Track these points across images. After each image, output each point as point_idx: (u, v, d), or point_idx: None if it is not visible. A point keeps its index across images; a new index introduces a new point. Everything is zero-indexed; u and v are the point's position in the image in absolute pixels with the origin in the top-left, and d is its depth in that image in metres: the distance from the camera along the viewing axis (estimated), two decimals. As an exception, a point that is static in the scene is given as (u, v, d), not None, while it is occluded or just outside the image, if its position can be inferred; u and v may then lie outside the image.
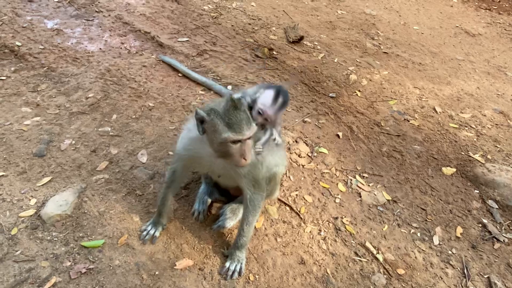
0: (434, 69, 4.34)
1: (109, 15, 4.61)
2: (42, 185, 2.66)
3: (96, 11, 4.67)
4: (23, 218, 2.44)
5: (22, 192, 2.60)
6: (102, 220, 2.49)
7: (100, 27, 4.40)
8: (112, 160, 2.90)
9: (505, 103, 3.94)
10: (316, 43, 4.53)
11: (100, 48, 4.06)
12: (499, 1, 6.12)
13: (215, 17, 4.81)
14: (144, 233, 2.44)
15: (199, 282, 2.25)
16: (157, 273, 2.27)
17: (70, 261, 2.26)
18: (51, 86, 3.51)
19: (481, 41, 5.02)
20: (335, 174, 3.00)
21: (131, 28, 4.43)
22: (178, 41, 4.31)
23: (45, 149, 2.91)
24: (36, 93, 3.42)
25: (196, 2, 5.09)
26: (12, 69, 3.66)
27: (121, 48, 4.11)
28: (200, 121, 1.94)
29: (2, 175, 2.68)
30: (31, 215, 2.46)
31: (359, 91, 3.86)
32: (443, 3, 5.94)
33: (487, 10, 5.82)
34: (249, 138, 1.93)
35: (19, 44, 3.94)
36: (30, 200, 2.55)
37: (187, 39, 4.34)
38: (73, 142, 3.00)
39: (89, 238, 2.39)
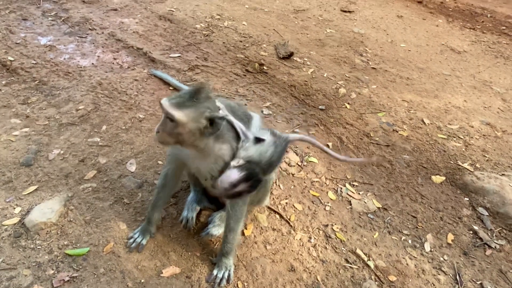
0: (421, 84, 4.42)
1: (102, 33, 4.69)
2: (27, 193, 2.61)
3: (89, 28, 4.75)
4: (6, 227, 2.38)
5: (7, 200, 2.55)
6: (88, 229, 2.44)
7: (93, 43, 4.47)
8: (101, 169, 2.87)
9: (491, 115, 4.01)
10: (306, 59, 4.62)
11: (93, 63, 4.10)
12: (483, 21, 6.33)
13: (207, 35, 4.91)
14: (131, 240, 2.38)
15: (186, 290, 2.19)
16: (142, 281, 2.20)
17: (53, 269, 2.20)
18: (41, 99, 3.52)
19: (466, 57, 5.16)
20: (325, 183, 2.99)
21: (124, 44, 4.50)
22: (170, 56, 4.38)
23: (32, 158, 2.88)
24: (26, 105, 3.42)
25: (188, 21, 5.21)
26: (3, 82, 3.68)
27: (113, 63, 4.16)
28: None
29: (-13, 184, 2.64)
30: (14, 223, 2.40)
31: (348, 103, 3.91)
32: (429, 23, 6.14)
33: (471, 29, 6.01)
34: (168, 117, 1.86)
35: (12, 59, 3.98)
36: (14, 208, 2.50)
37: (179, 55, 4.41)
38: (62, 152, 2.98)
39: (74, 246, 2.33)
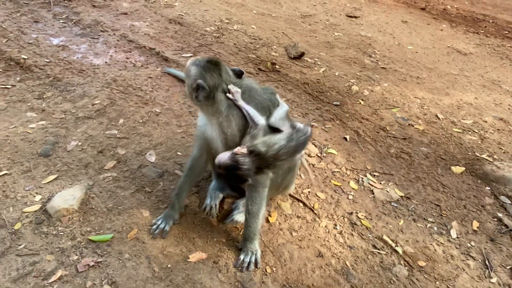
0: (431, 82, 4.46)
1: (114, 34, 4.72)
2: (47, 182, 2.57)
3: (101, 30, 4.78)
4: (27, 213, 2.34)
5: (27, 189, 2.50)
6: (110, 216, 2.39)
7: (105, 44, 4.49)
8: (120, 160, 2.84)
9: (503, 111, 4.04)
10: (316, 59, 4.66)
11: (106, 62, 4.11)
12: (485, 26, 6.46)
13: (218, 37, 4.96)
14: (154, 227, 2.34)
15: (214, 274, 2.13)
16: (169, 266, 2.15)
17: (77, 255, 2.14)
18: (56, 94, 3.50)
19: (473, 59, 5.23)
20: (346, 173, 2.97)
21: (136, 45, 4.53)
22: (183, 56, 4.40)
23: (50, 149, 2.85)
24: (42, 100, 3.40)
25: (198, 24, 5.26)
26: (18, 79, 3.67)
27: (126, 62, 4.17)
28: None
29: (5, 174, 2.60)
30: (35, 210, 2.35)
31: (362, 100, 3.93)
32: (433, 27, 6.24)
33: (475, 33, 6.12)
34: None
35: (25, 57, 3.98)
36: (34, 196, 2.46)
37: (191, 55, 4.44)
38: (79, 143, 2.95)
39: (97, 232, 2.28)
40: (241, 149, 1.97)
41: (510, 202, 2.82)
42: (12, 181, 2.55)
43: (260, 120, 2.06)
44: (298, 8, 6.32)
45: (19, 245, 2.16)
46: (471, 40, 5.85)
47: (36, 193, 2.49)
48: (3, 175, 2.59)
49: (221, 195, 2.57)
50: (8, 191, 2.48)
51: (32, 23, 4.79)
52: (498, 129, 3.69)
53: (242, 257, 2.22)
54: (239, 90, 2.07)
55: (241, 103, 2.06)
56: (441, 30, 6.18)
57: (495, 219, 2.71)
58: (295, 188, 2.76)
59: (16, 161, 2.72)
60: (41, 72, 3.79)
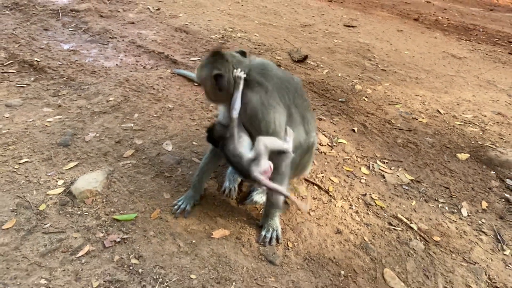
0: (430, 82, 4.64)
1: (123, 40, 4.86)
2: (68, 169, 2.63)
3: (110, 37, 4.92)
4: (51, 196, 2.38)
5: (48, 174, 2.55)
6: (132, 198, 2.44)
7: (115, 49, 4.62)
8: (138, 148, 2.91)
9: (501, 107, 4.21)
10: (319, 62, 4.84)
11: (117, 64, 4.23)
12: (476, 34, 6.75)
13: (223, 43, 5.13)
14: (176, 207, 2.40)
15: (237, 249, 2.19)
16: (193, 241, 2.20)
17: (102, 233, 2.18)
18: (71, 92, 3.59)
19: (467, 62, 5.46)
20: (357, 160, 3.07)
21: (144, 50, 4.66)
22: (191, 60, 4.54)
23: (69, 139, 2.91)
24: (57, 97, 3.48)
25: (203, 32, 5.44)
26: (32, 78, 3.76)
27: (136, 64, 4.29)
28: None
29: (27, 161, 2.65)
30: (59, 193, 2.40)
31: (366, 97, 4.07)
32: (427, 35, 6.51)
33: (467, 41, 6.40)
34: None
35: (38, 60, 4.08)
36: (57, 181, 2.51)
37: (199, 58, 4.58)
38: (97, 135, 3.02)
39: (121, 212, 2.33)
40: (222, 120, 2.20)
41: (515, 185, 2.93)
42: (34, 168, 2.60)
43: (235, 114, 2.12)
44: (298, 19, 6.57)
45: (45, 224, 2.20)
46: (464, 47, 6.11)
47: (58, 178, 2.54)
48: (24, 162, 2.64)
49: (239, 179, 2.64)
50: (31, 176, 2.53)
51: (42, 31, 4.92)
52: (497, 122, 3.84)
53: (263, 233, 2.28)
54: (242, 75, 2.15)
55: (239, 88, 2.14)
56: (435, 38, 6.45)
57: (503, 200, 2.81)
58: (309, 173, 2.84)
59: (36, 150, 2.78)
60: (54, 73, 3.89)
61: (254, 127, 2.14)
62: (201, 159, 2.88)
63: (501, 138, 3.53)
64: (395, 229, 2.45)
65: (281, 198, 2.22)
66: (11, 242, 2.07)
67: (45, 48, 4.42)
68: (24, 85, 3.62)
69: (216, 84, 2.15)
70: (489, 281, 2.19)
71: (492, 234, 2.50)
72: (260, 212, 2.47)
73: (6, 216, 2.22)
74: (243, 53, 2.28)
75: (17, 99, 3.36)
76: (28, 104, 3.34)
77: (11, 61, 4.01)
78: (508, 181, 2.97)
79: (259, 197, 2.50)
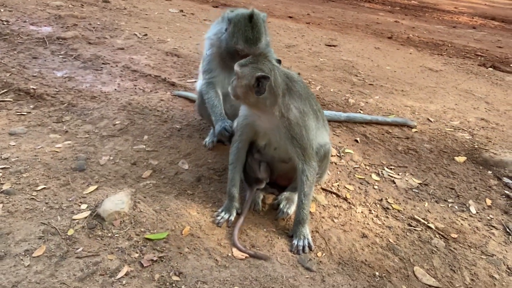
0: (415, 94, 4.95)
1: (116, 66, 4.87)
2: (89, 192, 2.60)
3: (102, 63, 4.92)
4: (77, 220, 2.35)
5: (70, 200, 2.51)
6: (160, 217, 2.44)
7: (110, 74, 4.62)
8: (155, 169, 2.92)
9: (482, 113, 4.53)
10: (310, 80, 5.04)
11: (115, 89, 4.23)
12: (446, 49, 7.29)
13: (215, 65, 5.24)
14: (219, 217, 2.46)
15: (273, 259, 2.23)
16: (229, 254, 2.22)
17: (137, 253, 2.17)
18: (75, 118, 3.56)
19: (444, 74, 5.86)
20: (366, 168, 3.21)
21: (140, 74, 4.70)
22: (188, 82, 4.62)
23: (84, 164, 2.88)
24: (62, 123, 3.44)
25: (194, 55, 5.55)
26: (31, 106, 3.69)
27: (135, 88, 4.31)
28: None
29: (44, 188, 2.60)
30: (85, 217, 2.37)
31: (361, 110, 4.28)
32: (403, 52, 6.95)
33: (440, 55, 6.88)
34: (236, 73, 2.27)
35: (34, 87, 4.02)
36: (80, 205, 2.47)
37: (195, 80, 4.66)
38: (111, 158, 3.00)
39: (151, 232, 2.32)
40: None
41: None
42: (53, 194, 2.55)
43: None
44: (281, 41, 6.83)
45: (77, 249, 2.15)
46: (438, 60, 6.56)
47: (81, 202, 2.50)
48: (41, 189, 2.59)
49: (261, 195, 2.69)
50: (51, 202, 2.48)
51: (32, 59, 4.86)
52: (482, 127, 4.13)
53: (295, 242, 2.34)
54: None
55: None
56: (410, 53, 6.89)
57: (504, 196, 3.02)
58: (325, 182, 2.95)
59: (52, 176, 2.73)
60: (53, 100, 3.84)
61: (296, 133, 2.27)
62: (219, 175, 2.94)
63: (490, 141, 3.81)
64: (415, 229, 2.58)
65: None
66: (45, 269, 2.01)
67: (39, 76, 4.36)
68: (25, 113, 3.55)
69: (256, 86, 2.17)
70: (508, 270, 2.34)
71: (501, 228, 2.68)
72: (287, 223, 2.54)
73: (35, 244, 2.16)
74: (279, 62, 2.39)
75: (20, 127, 3.29)
76: (32, 131, 3.28)
77: (5, 90, 3.93)
78: (504, 179, 3.20)
79: (288, 209, 2.56)
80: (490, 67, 6.34)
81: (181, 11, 8.40)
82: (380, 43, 7.37)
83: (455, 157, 3.47)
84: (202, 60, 3.10)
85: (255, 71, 2.17)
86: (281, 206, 2.57)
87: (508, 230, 2.66)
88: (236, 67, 2.26)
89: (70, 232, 2.26)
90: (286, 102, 2.24)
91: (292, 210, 2.56)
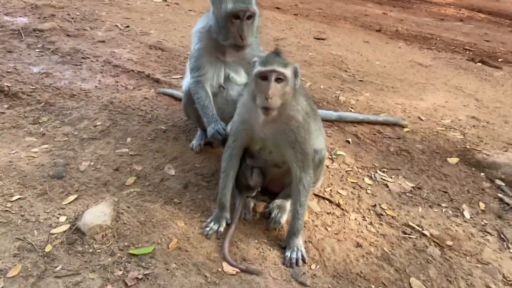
0: (405, 90, 4.88)
1: (97, 60, 4.63)
2: (68, 203, 2.43)
3: (82, 57, 4.67)
4: (55, 235, 2.19)
5: (47, 211, 2.35)
6: (145, 229, 2.30)
7: (90, 69, 4.39)
8: (139, 175, 2.76)
9: (472, 111, 4.50)
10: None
11: (96, 86, 4.02)
12: (435, 43, 7.24)
13: (201, 60, 5.05)
14: (207, 228, 2.33)
15: (266, 273, 2.12)
16: (219, 270, 2.11)
17: (121, 270, 2.03)
18: (53, 118, 3.35)
19: (433, 70, 5.81)
20: (358, 171, 3.13)
21: (122, 69, 4.48)
22: (173, 78, 4.43)
23: (63, 170, 2.70)
24: (38, 125, 3.23)
25: (179, 49, 5.34)
26: (5, 106, 3.47)
27: (117, 85, 4.10)
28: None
29: (19, 198, 2.42)
30: (65, 231, 2.21)
31: (352, 108, 4.19)
32: (392, 46, 6.87)
33: (429, 49, 6.83)
34: (279, 77, 2.04)
35: (8, 84, 3.78)
36: (58, 218, 2.31)
37: (181, 76, 4.48)
38: (92, 163, 2.83)
39: (136, 246, 2.18)
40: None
41: (504, 184, 3.13)
42: (29, 205, 2.38)
43: None
44: (269, 33, 6.65)
45: (55, 267, 2.01)
46: (427, 55, 6.51)
47: (59, 214, 2.34)
48: (17, 199, 2.41)
49: (252, 202, 2.58)
50: (27, 215, 2.31)
51: (6, 53, 4.57)
52: (473, 126, 4.10)
53: (288, 254, 2.24)
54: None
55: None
56: (399, 47, 6.81)
57: (497, 199, 2.99)
58: (317, 188, 2.85)
59: (28, 185, 2.54)
60: (30, 98, 3.62)
61: (301, 137, 2.20)
62: (207, 181, 2.81)
63: (481, 141, 3.77)
64: (410, 237, 2.52)
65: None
66: (20, 291, 1.86)
67: (13, 72, 4.11)
68: (-2, 114, 3.33)
69: (296, 79, 2.14)
70: (504, 279, 2.30)
71: (495, 234, 2.65)
72: (279, 233, 2.44)
73: (9, 263, 2.00)
74: (277, 53, 2.28)
75: (-7, 130, 3.07)
76: (6, 134, 3.07)
77: (-24, 88, 3.69)
78: (497, 181, 3.16)
79: (281, 218, 2.45)
80: (479, 62, 6.32)
81: (165, 0, 8.11)
82: (369, 36, 7.27)
83: (448, 158, 3.42)
84: (189, 57, 2.93)
85: (290, 64, 2.10)
86: (273, 215, 2.46)
87: (502, 236, 2.62)
88: (270, 69, 2.01)
89: (48, 248, 2.10)
90: (297, 98, 2.18)
91: (284, 219, 2.46)
